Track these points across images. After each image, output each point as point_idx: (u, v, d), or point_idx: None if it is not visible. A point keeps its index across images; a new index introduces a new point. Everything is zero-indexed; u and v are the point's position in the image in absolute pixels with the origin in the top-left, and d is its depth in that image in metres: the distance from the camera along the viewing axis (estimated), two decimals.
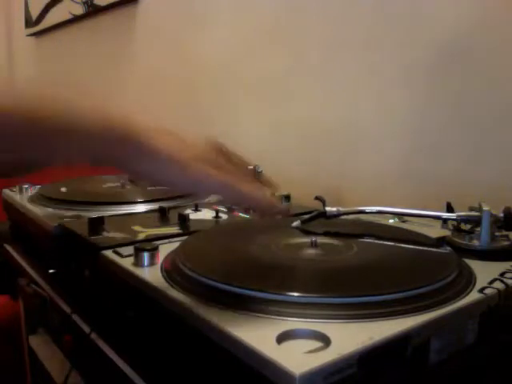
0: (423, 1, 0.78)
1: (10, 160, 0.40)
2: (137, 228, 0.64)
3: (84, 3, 1.78)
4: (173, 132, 0.44)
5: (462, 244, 0.55)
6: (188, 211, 0.71)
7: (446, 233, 0.59)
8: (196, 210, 0.73)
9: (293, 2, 1.01)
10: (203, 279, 0.43)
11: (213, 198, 0.83)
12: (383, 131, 0.86)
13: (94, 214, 0.66)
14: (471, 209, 0.56)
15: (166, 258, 0.51)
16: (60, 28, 2.06)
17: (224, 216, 0.71)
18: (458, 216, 0.57)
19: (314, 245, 0.53)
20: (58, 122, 0.38)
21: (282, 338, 0.34)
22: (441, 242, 0.56)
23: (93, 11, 1.75)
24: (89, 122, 0.39)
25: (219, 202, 0.75)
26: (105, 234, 0.61)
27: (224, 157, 0.44)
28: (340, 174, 0.93)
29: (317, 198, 0.65)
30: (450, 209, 0.59)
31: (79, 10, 1.81)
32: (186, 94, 1.36)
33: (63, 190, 0.86)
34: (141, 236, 0.60)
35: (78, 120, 0.39)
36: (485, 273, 0.46)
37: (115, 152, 0.40)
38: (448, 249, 0.53)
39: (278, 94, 1.06)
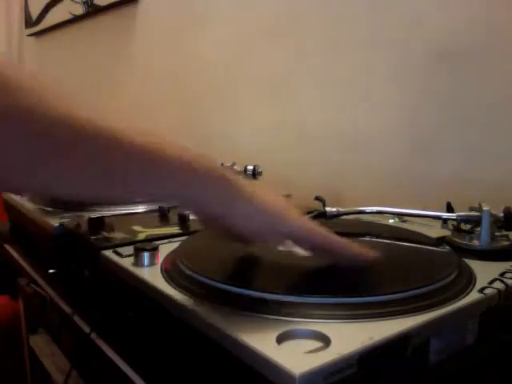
0: (417, 3, 0.78)
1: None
2: (137, 228, 0.64)
3: (84, 3, 1.78)
4: (268, 188, 0.44)
5: (462, 244, 0.55)
6: (188, 211, 0.71)
7: (446, 233, 0.59)
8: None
9: (293, 2, 1.01)
10: (203, 279, 0.43)
11: None
12: (383, 131, 0.86)
13: (94, 214, 0.66)
14: (471, 209, 0.56)
15: (166, 258, 0.51)
16: (60, 28, 2.06)
17: None
18: (458, 216, 0.57)
19: None
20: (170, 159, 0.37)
21: (282, 338, 0.34)
22: (441, 241, 0.56)
23: (93, 11, 1.75)
24: (184, 162, 0.38)
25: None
26: (105, 234, 0.61)
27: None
28: (340, 174, 0.93)
29: (317, 198, 0.65)
30: (449, 209, 0.59)
31: (79, 10, 1.81)
32: (186, 94, 1.36)
33: None
34: (141, 236, 0.60)
35: (177, 159, 0.38)
36: (485, 273, 0.46)
37: (229, 210, 0.40)
38: (448, 249, 0.53)
39: (278, 94, 1.06)
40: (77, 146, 0.33)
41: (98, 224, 0.63)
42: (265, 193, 0.43)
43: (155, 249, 0.50)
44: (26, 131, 0.30)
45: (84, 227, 0.62)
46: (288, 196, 0.81)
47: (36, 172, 0.32)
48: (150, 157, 0.36)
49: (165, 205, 0.72)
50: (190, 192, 0.39)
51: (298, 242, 0.45)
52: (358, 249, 0.45)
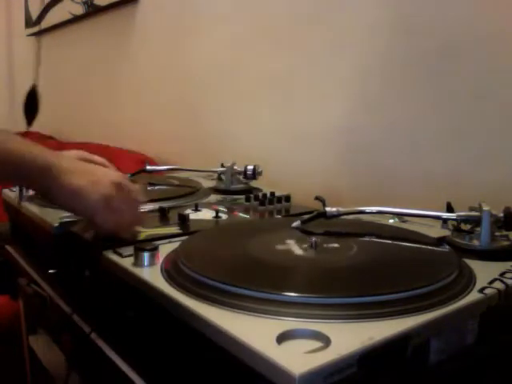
0: (414, 5, 0.78)
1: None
2: (137, 228, 0.64)
3: (84, 3, 1.78)
4: (88, 169, 0.58)
5: (462, 244, 0.55)
6: (188, 211, 0.70)
7: (446, 233, 0.59)
8: (196, 210, 0.73)
9: (293, 2, 1.01)
10: (203, 279, 0.44)
11: (212, 199, 0.83)
12: (383, 131, 0.86)
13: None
14: (471, 209, 0.56)
15: (166, 258, 0.51)
16: (60, 28, 2.06)
17: (224, 216, 0.71)
18: (458, 216, 0.57)
19: (313, 245, 0.53)
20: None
21: (282, 338, 0.34)
22: (441, 242, 0.56)
23: (93, 11, 1.75)
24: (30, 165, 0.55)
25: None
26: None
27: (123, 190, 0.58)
28: (340, 174, 0.93)
29: (317, 198, 0.65)
30: (449, 209, 0.59)
31: (79, 10, 1.82)
32: (186, 94, 1.36)
33: None
34: (141, 236, 0.60)
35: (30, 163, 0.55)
36: (485, 273, 0.46)
37: (40, 183, 0.56)
38: (448, 249, 0.53)
39: (278, 94, 1.06)
40: None
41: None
42: (74, 171, 0.56)
43: (155, 249, 0.50)
44: None
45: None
46: (288, 196, 0.81)
47: None
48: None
49: (165, 205, 0.72)
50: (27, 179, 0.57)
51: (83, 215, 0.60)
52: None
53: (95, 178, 0.56)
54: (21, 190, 0.81)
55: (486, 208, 0.53)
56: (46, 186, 0.55)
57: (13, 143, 0.55)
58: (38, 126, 2.37)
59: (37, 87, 2.13)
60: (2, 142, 0.54)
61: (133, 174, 0.99)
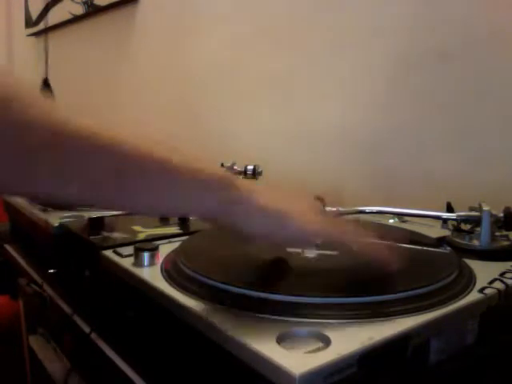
0: (414, 5, 0.78)
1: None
2: (137, 228, 0.64)
3: (84, 3, 1.78)
4: (278, 188, 0.44)
5: (462, 244, 0.55)
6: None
7: (446, 233, 0.59)
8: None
9: (293, 2, 1.01)
10: (203, 279, 0.43)
11: None
12: (383, 131, 0.86)
13: (94, 214, 0.66)
14: (471, 209, 0.56)
15: (166, 258, 0.51)
16: (60, 28, 2.06)
17: None
18: (458, 216, 0.57)
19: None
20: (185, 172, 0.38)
21: (281, 338, 0.34)
22: (441, 242, 0.56)
23: (93, 11, 1.75)
24: (193, 178, 0.39)
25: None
26: (105, 233, 0.61)
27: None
28: (340, 173, 0.93)
29: (317, 198, 0.65)
30: (449, 209, 0.59)
31: (79, 10, 1.82)
32: (186, 94, 1.36)
33: None
34: (141, 236, 0.60)
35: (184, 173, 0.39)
36: (485, 273, 0.46)
37: (229, 211, 0.40)
38: (448, 249, 0.53)
39: (278, 94, 1.06)
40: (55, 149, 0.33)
41: (98, 224, 0.63)
42: (270, 193, 0.42)
43: (155, 249, 0.50)
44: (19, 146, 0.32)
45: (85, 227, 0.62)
46: (320, 199, 0.80)
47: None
48: (146, 166, 0.37)
49: None
50: (190, 199, 0.39)
51: (299, 244, 0.45)
52: (371, 250, 0.43)
53: (287, 195, 0.44)
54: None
55: (485, 208, 0.53)
56: (227, 211, 0.40)
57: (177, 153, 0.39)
58: None
59: (48, 80, 2.09)
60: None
61: None
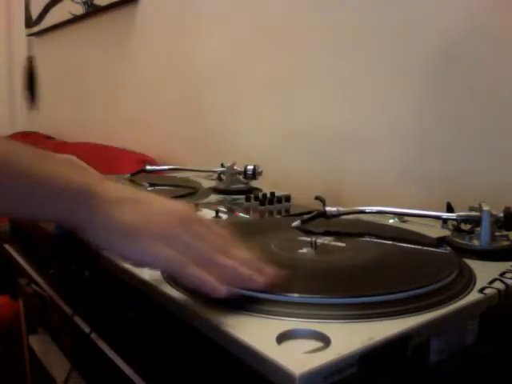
0: (416, 4, 0.78)
1: None
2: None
3: (84, 3, 1.78)
4: (142, 200, 0.42)
5: (462, 244, 0.55)
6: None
7: (446, 233, 0.59)
8: (196, 210, 0.73)
9: (293, 2, 1.01)
10: None
11: (212, 199, 0.83)
12: (383, 131, 0.86)
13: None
14: (471, 209, 0.56)
15: None
16: (60, 28, 2.06)
17: (224, 216, 0.71)
18: (458, 216, 0.57)
19: (313, 245, 0.53)
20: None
21: (281, 338, 0.34)
22: (441, 242, 0.56)
23: (93, 11, 1.75)
24: (49, 182, 0.39)
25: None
26: None
27: (199, 225, 0.42)
28: (340, 173, 0.93)
29: (317, 198, 0.65)
30: (450, 209, 0.59)
31: (79, 10, 1.82)
32: (186, 94, 1.36)
33: None
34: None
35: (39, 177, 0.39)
36: (485, 273, 0.46)
37: (78, 220, 0.40)
38: (448, 249, 0.53)
39: (278, 94, 1.06)
40: None
41: None
42: (131, 205, 0.41)
43: None
44: None
45: None
46: (288, 196, 0.81)
47: None
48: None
49: None
50: (49, 210, 0.40)
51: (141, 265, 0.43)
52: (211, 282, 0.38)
53: (151, 211, 0.41)
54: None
55: (485, 208, 0.53)
56: (81, 220, 0.40)
57: (22, 158, 0.39)
58: (37, 126, 2.37)
59: (33, 59, 2.02)
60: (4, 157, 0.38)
61: (133, 174, 0.99)
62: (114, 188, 0.41)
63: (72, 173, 0.40)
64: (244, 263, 0.41)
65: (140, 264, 0.42)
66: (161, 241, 0.39)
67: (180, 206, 0.43)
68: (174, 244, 0.40)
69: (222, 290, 0.38)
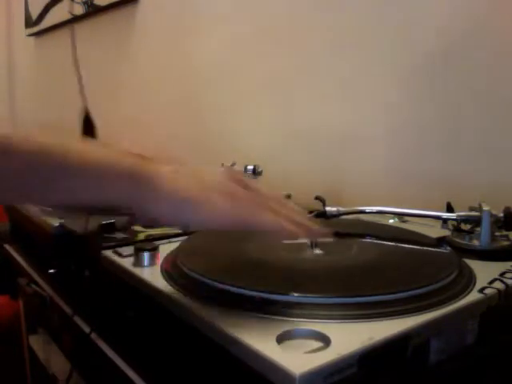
0: (416, 4, 0.78)
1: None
2: (137, 228, 0.64)
3: (84, 3, 1.78)
4: (184, 165, 0.44)
5: (462, 244, 0.55)
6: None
7: (446, 233, 0.59)
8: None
9: (293, 2, 1.01)
10: (203, 279, 0.43)
11: None
12: (383, 131, 0.86)
13: (94, 215, 0.66)
14: (471, 209, 0.56)
15: (166, 258, 0.51)
16: (60, 28, 2.06)
17: None
18: (458, 216, 0.57)
19: (313, 245, 0.53)
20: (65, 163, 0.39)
21: (281, 338, 0.34)
22: (441, 242, 0.56)
23: (93, 11, 1.75)
24: (101, 166, 0.40)
25: None
26: (105, 233, 0.61)
27: (240, 185, 0.44)
28: (340, 173, 0.93)
29: (317, 198, 0.65)
30: (450, 209, 0.59)
31: (79, 10, 1.81)
32: (186, 94, 1.36)
33: None
34: (141, 236, 0.60)
35: (91, 163, 0.40)
36: (485, 273, 0.46)
37: (130, 198, 0.41)
38: (448, 249, 0.53)
39: (278, 94, 1.06)
40: None
41: (110, 229, 0.62)
42: (182, 177, 0.43)
43: (155, 249, 0.50)
44: None
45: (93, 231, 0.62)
46: (288, 196, 0.81)
47: None
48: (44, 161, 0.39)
49: None
50: (108, 196, 0.41)
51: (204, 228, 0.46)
52: (282, 225, 0.42)
53: (204, 178, 0.43)
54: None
55: (485, 208, 0.53)
56: (143, 199, 0.40)
57: (71, 145, 0.40)
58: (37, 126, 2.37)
59: (89, 113, 2.04)
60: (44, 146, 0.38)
61: None
62: (162, 165, 0.44)
63: (117, 156, 0.42)
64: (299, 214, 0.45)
65: (211, 225, 0.43)
66: (224, 198, 0.41)
67: (222, 169, 0.47)
68: (236, 198, 0.42)
69: (298, 231, 0.42)
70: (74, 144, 0.41)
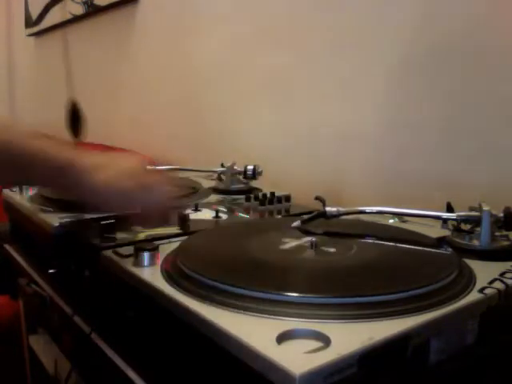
0: (416, 4, 0.78)
1: None
2: (137, 228, 0.64)
3: (84, 3, 1.78)
4: (109, 163, 0.56)
5: (462, 244, 0.55)
6: (188, 211, 0.70)
7: (446, 233, 0.59)
8: (196, 210, 0.73)
9: (293, 2, 1.01)
10: (203, 279, 0.43)
11: (212, 199, 0.83)
12: (383, 131, 0.86)
13: (94, 215, 0.66)
14: (471, 209, 0.56)
15: (166, 258, 0.51)
16: (60, 28, 2.06)
17: (224, 216, 0.71)
18: (458, 216, 0.57)
19: (313, 245, 0.53)
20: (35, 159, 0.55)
21: (282, 338, 0.34)
22: (441, 242, 0.56)
23: (93, 11, 1.75)
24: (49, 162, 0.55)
25: None
26: (104, 233, 0.61)
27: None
28: (340, 173, 0.93)
29: (317, 198, 0.65)
30: (449, 209, 0.59)
31: (79, 10, 1.82)
32: (186, 94, 1.36)
33: None
34: (141, 236, 0.60)
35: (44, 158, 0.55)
36: (485, 273, 0.46)
37: (63, 182, 0.57)
38: (448, 249, 0.53)
39: (278, 94, 1.06)
40: None
41: (111, 229, 0.62)
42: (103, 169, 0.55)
43: (155, 249, 0.50)
44: None
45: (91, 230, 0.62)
46: (288, 196, 0.81)
47: None
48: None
49: None
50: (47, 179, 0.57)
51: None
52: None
53: (119, 168, 0.56)
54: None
55: (485, 208, 0.53)
56: (73, 184, 0.55)
57: (22, 139, 0.55)
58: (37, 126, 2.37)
59: (77, 104, 2.05)
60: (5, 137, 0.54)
61: None
62: (90, 158, 0.56)
63: (58, 148, 0.56)
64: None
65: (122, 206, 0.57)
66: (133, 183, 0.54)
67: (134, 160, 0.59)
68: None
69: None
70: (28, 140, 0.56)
